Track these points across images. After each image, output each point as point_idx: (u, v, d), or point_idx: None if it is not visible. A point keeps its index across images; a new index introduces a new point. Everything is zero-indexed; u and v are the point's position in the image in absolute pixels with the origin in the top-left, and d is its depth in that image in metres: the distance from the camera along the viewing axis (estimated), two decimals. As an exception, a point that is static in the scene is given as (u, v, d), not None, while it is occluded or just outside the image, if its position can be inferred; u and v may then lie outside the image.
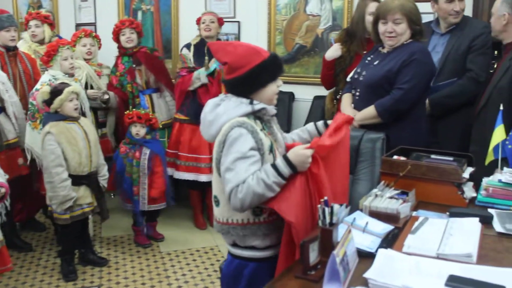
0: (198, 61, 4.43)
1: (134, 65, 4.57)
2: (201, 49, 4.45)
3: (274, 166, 2.01)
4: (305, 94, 4.89)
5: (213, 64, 4.31)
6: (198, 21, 4.57)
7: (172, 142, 4.60)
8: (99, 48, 4.69)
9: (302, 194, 2.04)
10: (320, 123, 2.45)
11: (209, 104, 2.22)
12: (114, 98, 4.50)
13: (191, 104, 4.43)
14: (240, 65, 2.12)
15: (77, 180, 3.58)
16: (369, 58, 3.09)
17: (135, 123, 4.10)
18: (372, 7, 3.53)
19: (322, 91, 4.10)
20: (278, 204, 2.01)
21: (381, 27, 2.95)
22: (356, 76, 3.08)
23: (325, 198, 1.84)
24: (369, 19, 3.53)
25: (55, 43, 3.97)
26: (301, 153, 2.03)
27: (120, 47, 4.64)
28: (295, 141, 2.42)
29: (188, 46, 4.56)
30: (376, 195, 2.22)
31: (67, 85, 3.60)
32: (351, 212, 2.10)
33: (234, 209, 2.08)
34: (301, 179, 2.05)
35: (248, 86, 2.15)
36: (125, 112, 4.20)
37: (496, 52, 3.74)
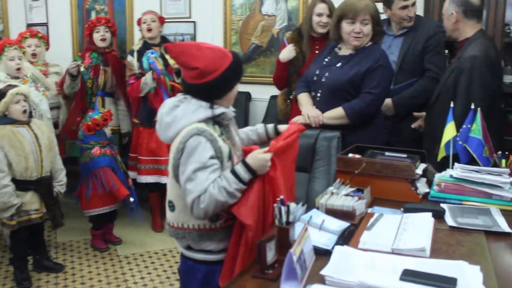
0: (144, 67, 4.40)
1: (102, 65, 4.50)
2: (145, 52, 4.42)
3: (234, 172, 2.01)
4: (262, 94, 4.90)
5: (145, 61, 4.28)
6: (139, 22, 4.52)
7: (133, 146, 4.59)
8: (47, 49, 4.57)
9: (259, 197, 2.05)
10: (270, 127, 2.43)
11: (167, 104, 2.15)
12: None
13: (143, 109, 4.43)
14: (212, 69, 2.06)
15: (23, 185, 3.46)
16: (326, 60, 3.10)
17: (106, 126, 4.08)
18: (319, 8, 3.58)
19: (279, 91, 4.11)
20: (237, 208, 2.02)
21: (347, 27, 2.96)
22: (315, 78, 3.08)
23: (281, 197, 1.85)
24: (315, 19, 3.59)
25: (1, 42, 3.85)
26: (260, 158, 2.03)
27: (92, 43, 4.57)
28: (243, 141, 2.41)
29: (131, 52, 4.52)
30: (332, 193, 2.24)
31: (12, 87, 3.47)
32: (307, 210, 2.12)
33: (197, 218, 2.07)
34: (259, 182, 2.06)
35: (219, 90, 2.11)
36: (89, 117, 4.08)
37: (446, 51, 3.86)
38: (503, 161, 2.65)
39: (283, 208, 1.82)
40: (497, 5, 3.70)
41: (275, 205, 1.84)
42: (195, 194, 1.99)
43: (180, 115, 2.09)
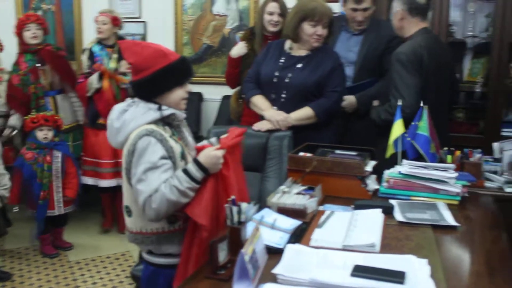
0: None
1: (38, 64, 4.35)
2: (98, 52, 4.33)
3: (185, 171, 1.99)
4: (214, 94, 4.89)
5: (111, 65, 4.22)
6: (96, 20, 4.43)
7: (83, 146, 4.48)
8: (0, 50, 4.40)
9: (212, 196, 2.03)
10: (213, 140, 2.37)
11: (115, 110, 2.15)
12: (18, 120, 4.31)
13: (90, 109, 4.33)
14: (144, 67, 2.07)
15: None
16: (282, 61, 3.10)
17: (41, 127, 3.90)
18: (270, 7, 3.60)
19: (231, 91, 4.11)
20: (191, 208, 2.00)
21: (310, 29, 2.98)
22: (276, 80, 3.08)
23: (233, 197, 1.85)
24: (267, 18, 3.60)
25: None
26: (212, 155, 2.01)
27: (22, 43, 4.38)
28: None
29: (84, 51, 4.45)
30: (284, 192, 2.26)
31: None
32: (260, 209, 2.12)
33: (150, 220, 2.05)
34: (212, 181, 2.04)
35: (152, 89, 2.10)
36: (27, 116, 3.98)
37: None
38: (449, 157, 2.73)
39: (235, 208, 1.82)
40: (442, 6, 3.80)
41: (226, 205, 1.83)
42: (146, 194, 1.97)
43: (129, 119, 2.08)
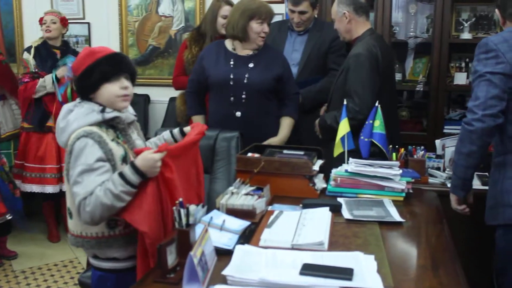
0: (41, 65, 4.18)
1: None
2: (44, 52, 4.20)
3: (121, 174, 1.93)
4: (161, 96, 4.84)
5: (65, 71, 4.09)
6: (41, 21, 4.30)
7: (20, 153, 4.30)
8: None
9: (154, 201, 1.97)
10: (176, 131, 2.42)
11: (64, 109, 2.13)
12: None
13: (36, 111, 4.17)
14: (76, 68, 2.10)
15: None
16: (232, 62, 3.09)
17: None
18: (224, 10, 3.59)
19: (178, 92, 4.08)
20: (130, 215, 1.95)
21: (257, 27, 3.02)
22: (232, 83, 3.06)
23: (180, 199, 1.83)
24: (221, 21, 3.60)
25: None
26: (148, 158, 1.94)
27: None
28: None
29: (29, 49, 4.27)
30: (232, 193, 2.25)
31: None
32: (209, 211, 2.11)
33: (85, 223, 1.99)
34: (152, 185, 1.97)
35: (82, 89, 2.11)
36: None
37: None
38: (394, 154, 2.79)
39: (182, 211, 1.80)
40: (384, 7, 3.89)
41: (174, 208, 1.81)
42: (81, 197, 1.92)
43: (72, 119, 2.06)
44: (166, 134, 2.43)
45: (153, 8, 4.92)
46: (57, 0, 5.13)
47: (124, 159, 2.06)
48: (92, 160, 1.95)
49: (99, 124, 2.06)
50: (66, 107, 2.13)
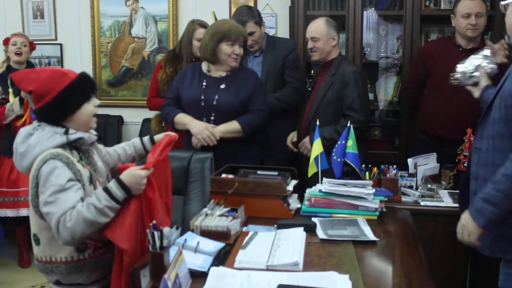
0: (7, 91, 4.11)
1: None
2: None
3: (106, 189, 1.91)
4: (134, 117, 4.81)
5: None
6: (6, 42, 4.23)
7: None
8: None
9: (136, 219, 1.95)
10: (146, 139, 2.43)
11: (21, 133, 2.07)
12: None
13: (7, 137, 4.10)
14: (45, 91, 2.02)
15: None
16: (204, 83, 3.10)
17: None
18: (199, 33, 3.62)
19: (152, 113, 4.06)
20: (112, 232, 1.91)
21: (228, 49, 3.02)
22: (203, 104, 3.06)
23: (154, 222, 1.81)
24: (196, 44, 3.62)
25: None
26: (135, 174, 1.93)
27: None
28: (120, 156, 2.39)
29: None
30: (207, 214, 2.24)
31: None
32: (183, 233, 2.10)
33: (64, 242, 1.93)
34: (136, 203, 1.96)
35: (60, 112, 2.04)
36: None
37: (312, 71, 4.08)
38: (367, 173, 2.82)
39: (156, 233, 1.78)
40: (355, 28, 3.96)
41: (148, 230, 1.80)
42: (58, 214, 1.88)
43: (34, 143, 2.01)
44: (136, 141, 2.44)
45: (126, 30, 4.91)
46: (28, 20, 5.09)
47: (91, 180, 2.04)
48: (63, 180, 1.91)
49: (63, 146, 2.02)
50: (24, 131, 2.07)
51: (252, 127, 3.08)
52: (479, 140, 2.19)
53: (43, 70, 2.09)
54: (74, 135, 2.03)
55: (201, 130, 3.00)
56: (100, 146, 2.35)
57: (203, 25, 3.69)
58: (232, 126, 3.03)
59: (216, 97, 3.04)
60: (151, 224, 1.82)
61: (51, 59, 5.06)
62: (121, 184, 1.92)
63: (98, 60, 4.99)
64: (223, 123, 3.03)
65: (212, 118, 3.06)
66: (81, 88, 2.06)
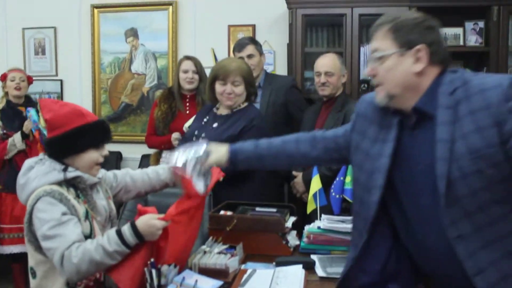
0: (8, 126, 4.12)
1: None
2: (9, 112, 4.16)
3: (119, 232, 1.90)
4: (133, 153, 4.84)
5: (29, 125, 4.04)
6: (4, 78, 4.24)
7: None
8: None
9: (144, 264, 1.92)
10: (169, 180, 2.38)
11: (25, 165, 2.08)
12: None
13: (9, 172, 4.09)
14: (59, 124, 2.02)
15: None
16: (205, 120, 3.11)
17: None
18: (184, 65, 3.71)
19: (151, 150, 4.08)
20: (118, 274, 1.89)
21: (220, 88, 2.99)
22: (194, 139, 3.07)
23: (152, 260, 1.80)
24: (182, 76, 3.70)
25: None
26: (151, 224, 1.91)
27: None
28: (151, 180, 2.36)
29: None
30: (205, 252, 2.23)
31: None
32: (181, 271, 2.08)
33: (69, 277, 1.90)
34: (147, 249, 1.93)
35: (64, 149, 2.04)
36: None
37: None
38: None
39: (154, 271, 1.77)
40: (352, 65, 4.01)
41: (146, 268, 1.79)
42: (62, 248, 1.86)
43: (32, 177, 2.01)
44: (163, 170, 2.39)
45: (126, 66, 4.98)
46: (30, 56, 5.16)
47: (87, 217, 2.03)
48: (58, 215, 1.90)
49: (60, 183, 2.01)
50: (27, 163, 2.09)
51: (230, 171, 3.00)
52: (450, 227, 1.60)
53: (66, 104, 2.08)
54: (72, 173, 2.02)
55: None
56: (118, 174, 2.35)
57: (188, 57, 3.77)
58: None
59: (203, 134, 3.02)
60: (149, 262, 1.81)
61: (51, 95, 5.11)
62: (135, 230, 1.90)
63: (98, 96, 5.03)
64: None
65: None
66: (93, 133, 2.06)
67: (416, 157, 1.67)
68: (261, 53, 3.76)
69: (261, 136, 2.99)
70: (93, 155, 2.08)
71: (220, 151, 2.13)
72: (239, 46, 3.71)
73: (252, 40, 3.79)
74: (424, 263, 1.77)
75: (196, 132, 3.07)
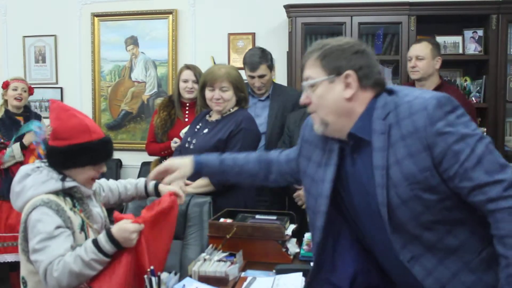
0: (6, 135, 4.13)
1: None
2: (7, 122, 4.16)
3: (95, 241, 1.89)
4: (133, 161, 4.84)
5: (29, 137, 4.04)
6: (6, 86, 4.23)
7: None
8: None
9: (126, 273, 1.90)
10: (151, 186, 2.39)
11: (21, 171, 2.07)
12: None
13: (4, 182, 4.09)
14: (63, 136, 2.01)
15: None
16: (198, 127, 3.13)
17: None
18: (184, 74, 3.72)
19: (150, 157, 4.08)
20: (99, 283, 1.88)
21: (208, 94, 3.01)
22: (186, 145, 3.09)
23: (151, 267, 1.80)
24: (182, 85, 3.71)
25: None
26: (124, 228, 1.90)
27: None
28: (120, 195, 2.38)
29: None
30: (205, 259, 2.23)
31: None
32: (181, 278, 2.08)
33: None
34: (128, 256, 1.91)
35: (63, 161, 2.03)
36: None
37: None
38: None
39: (154, 279, 1.77)
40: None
41: (145, 276, 1.78)
42: (46, 262, 1.86)
43: (29, 185, 2.01)
44: (140, 183, 2.42)
45: (126, 74, 4.99)
46: (30, 65, 5.18)
47: (82, 228, 2.02)
48: (51, 228, 1.90)
49: (57, 192, 2.01)
50: (23, 170, 2.07)
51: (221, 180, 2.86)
52: (402, 250, 1.60)
53: (74, 115, 2.05)
54: (69, 183, 2.02)
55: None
56: (103, 183, 2.36)
57: (188, 67, 3.77)
58: (202, 182, 2.90)
59: (194, 141, 3.04)
60: (148, 269, 1.81)
61: (51, 102, 5.10)
62: (110, 237, 1.89)
63: (98, 104, 5.04)
64: None
65: None
66: (94, 152, 2.05)
67: (358, 183, 1.67)
68: (271, 69, 3.72)
69: (250, 138, 3.02)
70: (89, 172, 2.07)
71: (184, 164, 2.11)
72: (251, 65, 3.65)
73: (264, 57, 3.67)
74: (391, 275, 1.77)
75: (188, 139, 3.09)
